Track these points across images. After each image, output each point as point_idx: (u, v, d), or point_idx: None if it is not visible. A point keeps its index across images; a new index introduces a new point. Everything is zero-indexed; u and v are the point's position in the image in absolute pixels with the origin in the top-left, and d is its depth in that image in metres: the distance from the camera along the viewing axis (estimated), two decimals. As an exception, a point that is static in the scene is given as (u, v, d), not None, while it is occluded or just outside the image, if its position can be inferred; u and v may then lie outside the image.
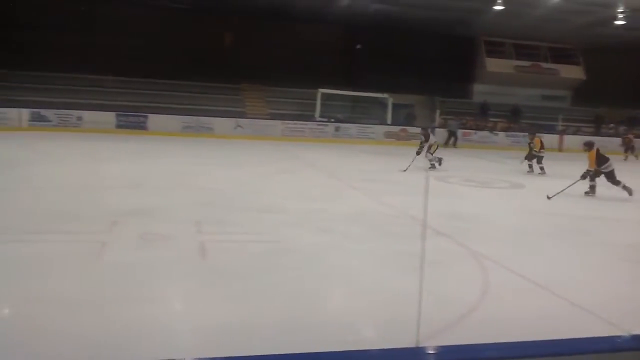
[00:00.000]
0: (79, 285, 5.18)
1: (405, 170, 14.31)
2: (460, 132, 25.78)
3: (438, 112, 27.47)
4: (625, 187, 11.68)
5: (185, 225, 7.55)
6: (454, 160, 17.25)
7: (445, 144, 24.00)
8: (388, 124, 26.43)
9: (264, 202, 9.60)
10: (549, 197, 10.76)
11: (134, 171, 12.63)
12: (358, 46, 28.95)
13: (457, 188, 12.50)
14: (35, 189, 9.88)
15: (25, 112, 21.09)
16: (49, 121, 21.37)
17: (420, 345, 3.36)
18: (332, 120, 24.78)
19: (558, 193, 10.92)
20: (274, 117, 25.60)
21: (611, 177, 11.79)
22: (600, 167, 11.70)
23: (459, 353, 2.22)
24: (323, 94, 25.75)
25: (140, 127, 22.34)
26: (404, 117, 27.76)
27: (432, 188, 9.89)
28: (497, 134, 26.87)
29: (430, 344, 3.50)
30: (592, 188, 11.86)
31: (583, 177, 11.66)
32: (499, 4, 23.03)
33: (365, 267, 6.29)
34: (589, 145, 12.08)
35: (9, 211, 7.99)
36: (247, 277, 5.65)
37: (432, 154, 15.44)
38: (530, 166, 15.79)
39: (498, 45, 30.86)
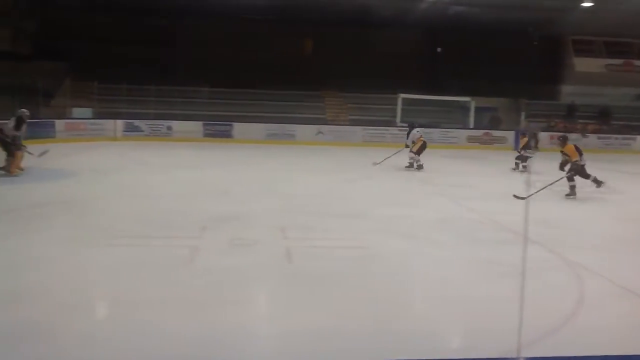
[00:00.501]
0: (172, 287, 5.43)
1: (378, 164, 15.06)
2: (543, 134, 24.71)
3: (523, 114, 26.56)
4: (595, 180, 11.71)
5: (271, 231, 7.72)
6: (543, 164, 16.59)
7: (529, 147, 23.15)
8: (471, 128, 25.85)
9: (348, 208, 9.65)
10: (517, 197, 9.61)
11: (221, 178, 13.04)
12: (439, 49, 28.55)
13: (547, 193, 12.00)
14: (129, 196, 10.43)
15: (119, 123, 22.33)
16: (141, 131, 22.50)
17: (519, 356, 3.27)
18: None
19: (538, 191, 10.44)
20: (354, 123, 25.68)
21: (583, 171, 11.64)
22: (580, 160, 11.56)
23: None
24: (404, 99, 25.55)
25: (226, 135, 23.05)
26: (487, 120, 27.06)
27: (516, 193, 9.58)
28: (587, 137, 25.61)
29: (526, 354, 3.41)
30: (572, 189, 11.49)
31: (568, 171, 11.55)
32: (588, 1, 22.01)
33: (452, 274, 6.19)
34: (563, 139, 12.06)
35: (107, 216, 8.47)
36: (332, 282, 5.70)
37: (414, 153, 15.39)
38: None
39: (587, 43, 29.45)
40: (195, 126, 22.97)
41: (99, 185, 11.75)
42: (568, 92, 28.97)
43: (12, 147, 11.98)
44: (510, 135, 24.48)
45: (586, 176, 11.71)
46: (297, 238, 7.54)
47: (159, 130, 22.63)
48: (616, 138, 25.98)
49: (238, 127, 23.21)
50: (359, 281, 5.78)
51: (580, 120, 27.10)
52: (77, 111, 22.91)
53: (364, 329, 4.57)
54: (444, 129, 25.34)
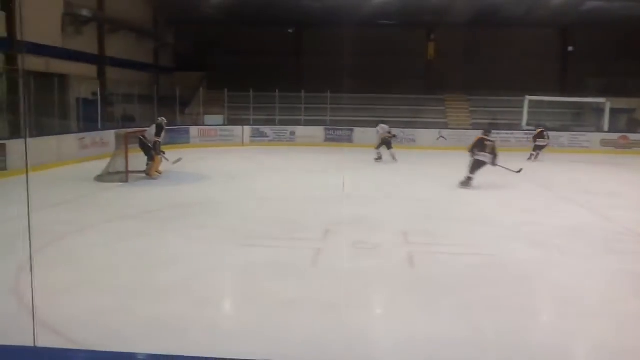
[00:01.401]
0: (298, 287, 5.68)
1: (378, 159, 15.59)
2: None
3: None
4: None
5: (393, 235, 7.79)
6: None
7: None
8: (605, 131, 24.19)
9: (473, 214, 9.49)
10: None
11: (343, 182, 13.29)
12: (570, 48, 27.04)
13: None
14: (258, 199, 10.96)
15: (247, 129, 23.48)
16: (267, 137, 23.48)
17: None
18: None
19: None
20: (477, 127, 25.01)
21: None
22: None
23: None
24: (530, 102, 24.48)
25: (347, 140, 23.42)
26: (624, 123, 25.18)
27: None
28: None
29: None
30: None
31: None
32: None
33: (584, 286, 5.91)
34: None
35: (238, 218, 8.98)
36: (455, 289, 5.65)
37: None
38: None
39: None
40: (317, 131, 23.57)
41: (230, 188, 12.44)
42: None
43: (153, 152, 13.05)
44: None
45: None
46: (420, 243, 7.54)
47: (283, 135, 23.49)
48: None
49: (358, 132, 23.50)
50: (483, 289, 5.68)
51: None
52: (209, 118, 24.38)
53: (487, 339, 4.51)
54: (574, 132, 23.96)
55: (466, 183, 12.35)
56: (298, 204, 10.35)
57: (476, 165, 12.41)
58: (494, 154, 12.41)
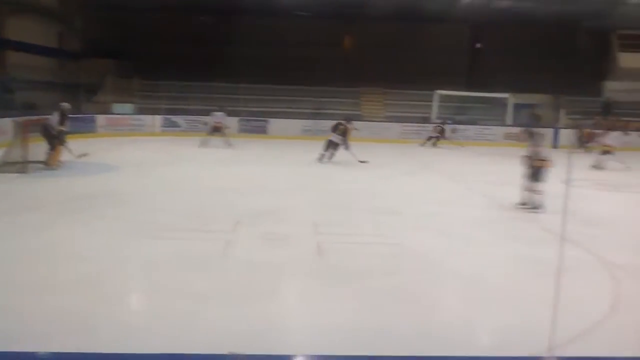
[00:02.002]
0: (206, 280, 5.55)
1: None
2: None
3: (563, 111, 26.00)
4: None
5: (304, 226, 7.78)
6: (582, 162, 16.26)
7: (579, 146, 22.82)
8: (508, 125, 25.44)
9: (383, 204, 9.64)
10: None
11: (256, 174, 13.18)
12: (478, 45, 28.17)
13: (586, 192, 11.76)
14: (168, 190, 10.62)
15: (158, 119, 22.78)
16: (179, 127, 22.89)
17: (552, 355, 3.25)
18: (449, 122, 24.30)
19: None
20: (390, 119, 25.60)
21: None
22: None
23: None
24: (440, 96, 25.32)
25: (261, 131, 23.26)
26: (526, 117, 26.57)
27: (558, 191, 9.40)
28: (629, 134, 24.87)
29: (557, 354, 3.38)
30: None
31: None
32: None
33: (488, 272, 6.14)
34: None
35: (147, 210, 8.67)
36: (364, 278, 5.71)
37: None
38: None
39: (633, 38, 28.57)
40: (231, 122, 23.22)
41: (139, 179, 12.02)
42: (612, 88, 28.21)
43: (56, 141, 12.34)
44: (549, 132, 24.02)
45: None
46: (330, 233, 7.56)
47: (196, 126, 22.96)
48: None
49: (273, 123, 23.40)
50: (390, 277, 5.78)
51: (624, 118, 26.35)
52: (118, 107, 23.44)
53: (395, 325, 4.59)
54: (480, 126, 25.03)
55: (319, 159, 15.07)
56: (209, 195, 10.13)
57: (328, 145, 15.14)
58: (344, 136, 15.05)
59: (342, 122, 15.58)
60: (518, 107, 26.13)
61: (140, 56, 25.60)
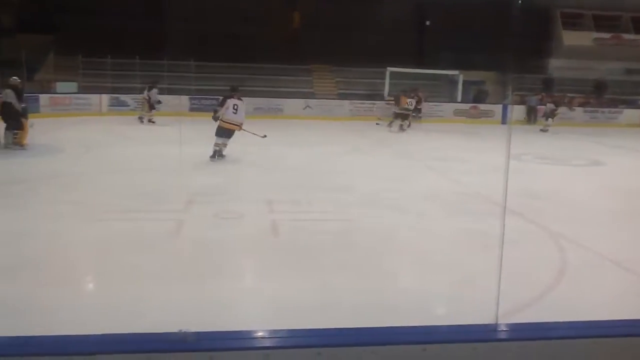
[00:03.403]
0: (160, 260, 5.46)
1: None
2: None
3: (510, 88, 26.60)
4: None
5: (257, 204, 7.74)
6: (527, 137, 16.73)
7: (528, 121, 23.47)
8: (458, 102, 25.87)
9: (335, 182, 9.68)
10: None
11: (207, 153, 12.98)
12: (427, 22, 28.40)
13: (531, 166, 12.12)
14: (116, 171, 10.38)
15: (105, 98, 22.11)
16: (127, 105, 22.29)
17: (493, 322, 3.33)
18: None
19: None
20: (342, 97, 25.62)
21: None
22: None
23: (531, 331, 2.20)
24: (392, 73, 25.46)
25: (212, 109, 22.87)
26: (474, 94, 27.08)
27: (504, 165, 9.66)
28: (574, 110, 25.73)
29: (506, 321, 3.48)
30: None
31: None
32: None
33: (438, 245, 6.28)
34: None
35: (94, 191, 8.46)
36: (318, 254, 5.76)
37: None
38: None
39: (575, 17, 29.38)
40: (182, 100, 22.78)
41: (85, 160, 11.69)
42: (556, 65, 28.99)
43: (22, 119, 12.00)
44: (497, 108, 24.60)
45: None
46: (283, 211, 7.56)
47: (145, 104, 22.42)
48: (602, 112, 26.13)
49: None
50: (344, 253, 5.84)
51: (569, 94, 27.18)
52: (61, 86, 22.59)
53: (349, 300, 4.64)
54: (430, 103, 25.35)
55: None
56: (159, 175, 9.93)
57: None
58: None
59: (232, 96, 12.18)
60: (467, 84, 26.58)
61: (82, 32, 24.61)
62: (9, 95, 12.01)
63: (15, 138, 11.99)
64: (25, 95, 12.92)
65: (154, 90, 18.54)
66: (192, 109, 22.69)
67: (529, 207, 7.76)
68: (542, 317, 4.36)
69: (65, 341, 2.13)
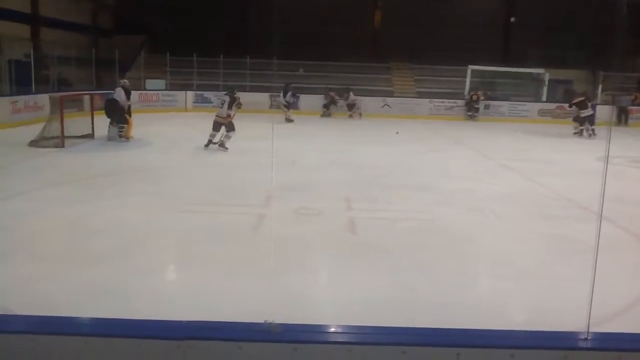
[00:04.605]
0: (239, 253, 5.63)
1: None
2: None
3: (600, 87, 25.31)
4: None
5: (336, 202, 7.81)
6: (621, 140, 15.89)
7: (618, 122, 22.38)
8: (543, 101, 24.92)
9: (414, 180, 9.61)
10: None
11: (288, 149, 13.19)
12: (513, 19, 27.53)
13: (624, 170, 11.50)
14: (200, 166, 10.77)
15: (190, 95, 22.95)
16: (210, 102, 22.99)
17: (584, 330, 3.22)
18: (482, 98, 23.90)
19: None
20: (422, 95, 25.31)
21: None
22: None
23: (623, 342, 2.12)
24: (473, 71, 24.87)
25: (293, 107, 23.19)
26: (561, 93, 25.98)
27: (594, 170, 9.24)
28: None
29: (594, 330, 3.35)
30: None
31: None
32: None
33: (519, 249, 6.09)
34: None
35: (179, 185, 8.81)
36: (395, 253, 5.74)
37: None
38: None
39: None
40: (262, 97, 23.25)
41: (171, 154, 12.17)
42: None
43: (127, 115, 13.27)
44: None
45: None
46: (362, 209, 7.58)
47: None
48: None
49: (304, 99, 23.33)
50: (421, 253, 5.78)
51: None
52: (150, 83, 23.65)
53: (425, 300, 4.60)
54: (514, 102, 24.57)
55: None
56: (241, 170, 10.22)
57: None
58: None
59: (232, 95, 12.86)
60: (553, 83, 25.54)
61: (171, 32, 25.68)
62: (119, 94, 13.24)
63: (121, 132, 13.09)
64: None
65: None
66: (273, 106, 23.08)
67: (619, 212, 7.37)
68: (633, 328, 4.17)
69: (156, 327, 2.23)
